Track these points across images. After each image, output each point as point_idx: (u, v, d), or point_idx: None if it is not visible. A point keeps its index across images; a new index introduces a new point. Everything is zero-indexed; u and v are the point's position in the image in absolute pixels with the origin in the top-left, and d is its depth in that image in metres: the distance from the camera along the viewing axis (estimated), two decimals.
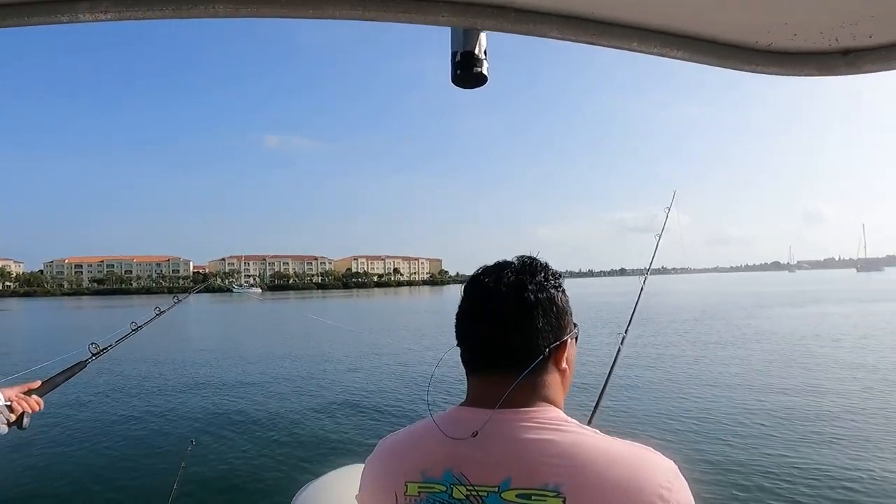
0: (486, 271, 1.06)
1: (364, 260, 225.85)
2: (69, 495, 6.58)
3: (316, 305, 68.39)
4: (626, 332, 2.50)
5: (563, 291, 1.05)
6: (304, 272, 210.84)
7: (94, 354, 2.10)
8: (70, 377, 2.02)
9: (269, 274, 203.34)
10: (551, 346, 1.00)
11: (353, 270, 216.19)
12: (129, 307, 75.14)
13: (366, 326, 28.73)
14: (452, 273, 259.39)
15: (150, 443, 8.58)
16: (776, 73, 1.05)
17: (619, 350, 2.39)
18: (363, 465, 2.98)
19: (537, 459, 0.90)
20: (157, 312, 2.64)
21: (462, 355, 1.06)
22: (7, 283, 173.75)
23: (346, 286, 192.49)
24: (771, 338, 19.50)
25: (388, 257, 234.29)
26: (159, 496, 3.29)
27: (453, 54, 0.89)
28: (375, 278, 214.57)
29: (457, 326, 1.07)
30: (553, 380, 1.02)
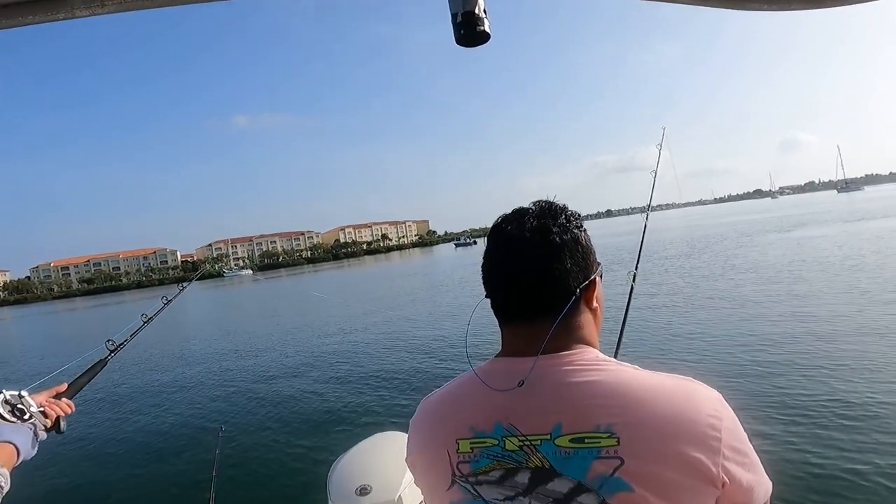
0: (507, 219, 1.05)
1: (351, 229, 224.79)
2: (104, 498, 6.66)
3: (309, 280, 68.40)
4: (636, 269, 2.50)
5: (585, 231, 1.05)
6: (292, 248, 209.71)
7: (112, 351, 2.11)
8: (93, 376, 2.02)
9: (257, 254, 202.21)
10: (581, 287, 1.00)
11: (342, 241, 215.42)
12: (123, 303, 74.91)
13: (369, 300, 28.80)
14: (441, 232, 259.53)
15: (181, 435, 8.64)
16: (766, 9, 1.04)
17: (632, 287, 2.40)
18: (394, 432, 3.06)
19: (585, 402, 0.90)
20: (165, 302, 2.66)
21: (493, 306, 1.05)
22: None
23: (336, 258, 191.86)
24: (762, 266, 19.72)
25: (375, 224, 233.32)
26: (200, 487, 3.37)
27: (454, 15, 0.89)
28: (365, 246, 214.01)
29: (484, 277, 1.06)
30: (587, 320, 1.02)
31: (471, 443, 0.96)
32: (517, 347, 1.00)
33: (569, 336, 0.99)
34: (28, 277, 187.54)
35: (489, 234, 1.06)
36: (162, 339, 22.91)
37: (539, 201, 1.06)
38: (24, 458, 1.49)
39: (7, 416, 1.52)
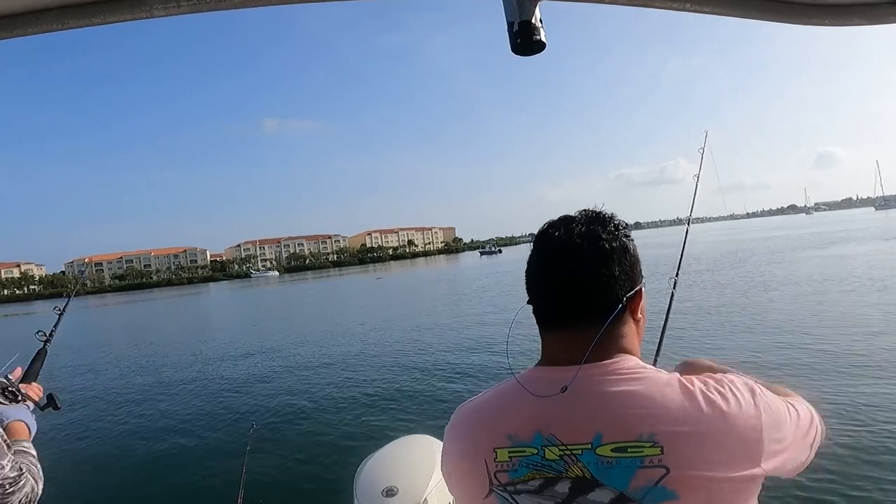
0: (554, 224, 1.04)
1: (378, 234, 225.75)
2: (138, 488, 6.81)
3: (336, 283, 68.89)
4: (676, 277, 2.47)
5: (633, 240, 1.05)
6: (319, 251, 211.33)
7: (45, 342, 2.21)
8: (41, 364, 2.10)
9: (284, 256, 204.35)
10: (628, 295, 0.99)
11: (368, 246, 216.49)
12: (153, 300, 76.34)
13: (398, 302, 28.87)
14: (467, 240, 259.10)
15: (213, 430, 8.81)
16: (827, 25, 1.05)
17: (672, 295, 2.39)
18: (422, 435, 3.08)
19: (627, 411, 0.89)
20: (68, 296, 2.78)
21: (536, 311, 1.04)
22: (32, 287, 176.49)
23: (362, 262, 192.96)
24: (794, 281, 19.37)
25: (402, 229, 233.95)
26: (230, 480, 3.42)
27: (510, 24, 0.91)
28: (391, 251, 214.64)
29: (528, 283, 1.05)
30: (630, 330, 1.01)
31: (509, 452, 0.95)
32: (559, 355, 0.99)
33: (612, 345, 0.98)
34: (63, 272, 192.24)
35: (535, 239, 1.06)
36: (194, 336, 23.32)
37: (586, 209, 1.06)
38: (33, 433, 1.59)
39: (2, 399, 1.63)
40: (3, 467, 1.26)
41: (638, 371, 0.94)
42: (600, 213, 1.05)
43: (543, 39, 0.90)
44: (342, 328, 20.36)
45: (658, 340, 2.15)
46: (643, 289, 1.04)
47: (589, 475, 0.89)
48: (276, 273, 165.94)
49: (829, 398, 6.95)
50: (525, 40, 0.90)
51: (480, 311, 21.10)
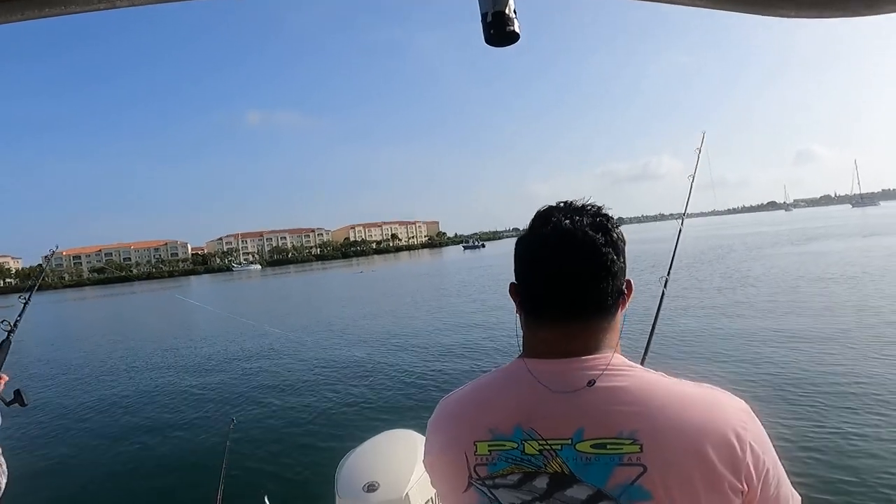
0: (558, 210, 1.00)
1: (361, 228, 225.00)
2: (113, 489, 6.69)
3: (318, 277, 68.61)
4: (668, 275, 2.46)
5: None
6: (302, 245, 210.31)
7: (8, 332, 2.21)
8: (5, 355, 2.10)
9: (267, 250, 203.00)
10: (623, 290, 0.98)
11: (352, 239, 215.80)
12: (132, 294, 75.45)
13: (382, 296, 28.80)
14: (450, 234, 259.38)
15: (192, 426, 8.73)
16: (803, 17, 1.04)
17: (662, 293, 2.37)
18: (403, 430, 3.07)
19: (609, 408, 0.88)
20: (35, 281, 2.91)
21: (531, 301, 0.99)
22: (8, 280, 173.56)
23: (345, 255, 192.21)
24: (772, 279, 19.62)
25: (386, 223, 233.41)
26: (210, 478, 3.39)
27: (483, 15, 0.89)
28: (374, 245, 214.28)
29: (525, 269, 1.00)
30: (615, 325, 0.99)
31: (489, 445, 0.94)
32: (552, 348, 0.96)
33: (599, 339, 0.96)
34: (39, 265, 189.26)
35: (536, 224, 1.00)
36: (174, 329, 23.08)
37: (569, 201, 1.02)
38: None
39: None
40: None
41: (624, 368, 0.93)
42: (597, 205, 1.01)
43: (517, 30, 0.89)
44: (323, 323, 20.29)
45: (647, 339, 2.16)
46: (632, 281, 1.02)
47: (567, 471, 0.88)
48: (259, 267, 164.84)
49: (798, 395, 7.06)
50: (498, 31, 0.88)
51: (461, 306, 21.16)
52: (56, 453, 7.90)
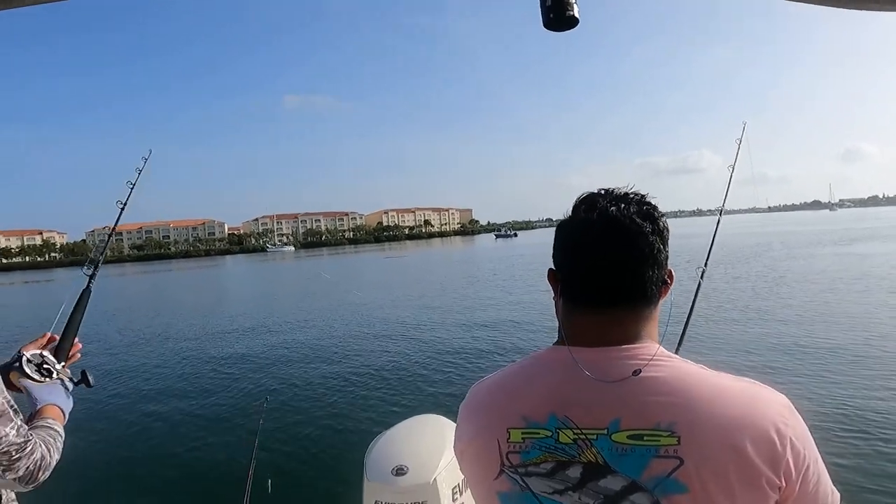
0: (603, 196, 0.98)
1: (394, 213, 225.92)
2: (151, 459, 6.87)
3: (350, 261, 69.21)
4: (705, 266, 2.41)
5: None
6: (335, 228, 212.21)
7: (90, 276, 2.09)
8: (84, 309, 1.97)
9: (301, 232, 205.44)
10: (666, 279, 0.97)
11: (384, 224, 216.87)
12: (170, 271, 77.28)
13: (416, 282, 28.93)
14: (483, 222, 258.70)
15: (227, 404, 8.90)
16: (879, 9, 0.99)
17: (699, 285, 2.34)
18: (433, 415, 3.09)
19: (648, 398, 0.87)
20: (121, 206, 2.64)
21: (573, 287, 0.98)
22: (53, 254, 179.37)
23: (377, 240, 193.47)
24: (815, 278, 19.12)
25: (419, 209, 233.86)
26: (242, 453, 3.47)
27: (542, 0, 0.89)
28: (407, 231, 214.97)
29: (566, 254, 0.99)
30: (655, 314, 0.98)
31: (522, 433, 0.93)
32: (591, 336, 0.95)
33: (638, 328, 0.95)
34: (84, 241, 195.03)
35: (578, 209, 0.99)
36: (207, 308, 23.57)
37: (623, 189, 1.00)
38: (67, 413, 1.54)
39: (36, 376, 1.55)
40: (6, 434, 1.22)
41: (663, 358, 0.91)
42: (643, 194, 0.99)
43: (577, 15, 0.87)
44: (355, 305, 20.47)
45: (682, 329, 2.13)
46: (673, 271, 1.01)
47: (602, 461, 0.87)
48: (292, 248, 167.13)
49: (827, 395, 6.91)
50: (558, 15, 0.87)
51: (491, 294, 21.12)
52: (89, 427, 8.05)
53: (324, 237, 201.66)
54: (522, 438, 0.93)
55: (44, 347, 1.74)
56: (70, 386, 1.63)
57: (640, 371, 0.88)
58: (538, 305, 16.67)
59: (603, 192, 0.99)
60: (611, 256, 0.93)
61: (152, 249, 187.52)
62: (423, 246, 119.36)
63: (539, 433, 0.92)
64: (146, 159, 2.32)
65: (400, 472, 2.47)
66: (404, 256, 67.81)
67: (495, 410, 0.99)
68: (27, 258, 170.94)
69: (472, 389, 1.08)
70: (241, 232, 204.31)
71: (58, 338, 1.78)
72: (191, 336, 16.17)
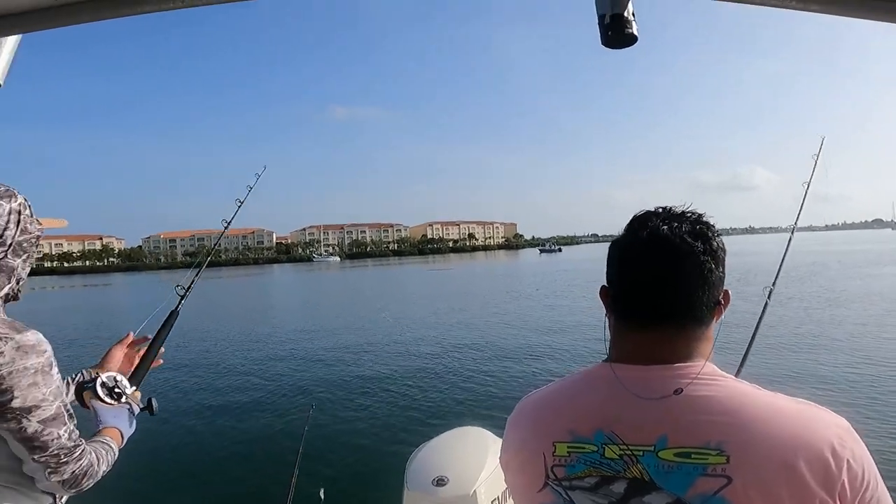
0: (656, 215, 0.98)
1: (439, 226, 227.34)
2: (197, 462, 7.04)
3: (394, 272, 69.78)
4: (773, 286, 2.35)
5: None
6: (380, 239, 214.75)
7: (182, 297, 2.19)
8: (169, 331, 2.07)
9: (346, 242, 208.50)
10: (719, 298, 0.96)
11: (429, 237, 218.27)
12: (220, 278, 79.32)
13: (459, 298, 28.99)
14: (528, 237, 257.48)
15: (274, 409, 9.12)
16: None
17: (766, 304, 2.27)
18: (475, 427, 3.09)
19: (697, 417, 0.86)
20: (224, 226, 2.80)
21: (624, 305, 0.98)
22: (111, 259, 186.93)
23: (421, 252, 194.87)
24: (879, 299, 18.37)
25: (463, 223, 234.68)
26: (288, 457, 3.52)
27: (601, 17, 0.89)
28: (451, 244, 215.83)
29: (619, 272, 0.99)
30: (710, 334, 0.97)
31: (568, 447, 0.94)
32: (642, 353, 0.95)
33: (691, 347, 0.94)
34: (140, 247, 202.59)
35: (631, 227, 0.99)
36: (255, 314, 24.10)
37: (679, 207, 1.00)
38: (126, 436, 1.63)
39: (107, 399, 1.64)
40: (59, 437, 1.28)
41: (716, 378, 0.90)
42: (697, 212, 0.99)
43: (636, 32, 0.88)
44: (400, 317, 20.63)
45: (744, 350, 2.09)
46: (730, 291, 1.00)
47: (647, 477, 0.87)
48: (338, 258, 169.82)
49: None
50: (617, 33, 0.88)
51: (534, 309, 20.98)
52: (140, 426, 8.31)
53: (369, 248, 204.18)
54: (568, 452, 0.94)
55: (130, 347, 1.90)
56: (136, 411, 1.72)
57: (682, 390, 0.88)
58: (580, 322, 16.58)
59: (659, 210, 1.00)
60: (661, 275, 0.94)
61: (204, 257, 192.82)
62: (467, 259, 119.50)
63: (585, 448, 0.93)
64: (259, 175, 2.73)
65: (440, 482, 2.47)
66: (449, 269, 67.95)
67: (542, 424, 1.00)
68: (87, 262, 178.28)
69: (521, 403, 1.10)
70: (289, 241, 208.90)
71: (136, 339, 1.93)
72: (239, 343, 16.56)
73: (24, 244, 1.39)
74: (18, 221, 1.37)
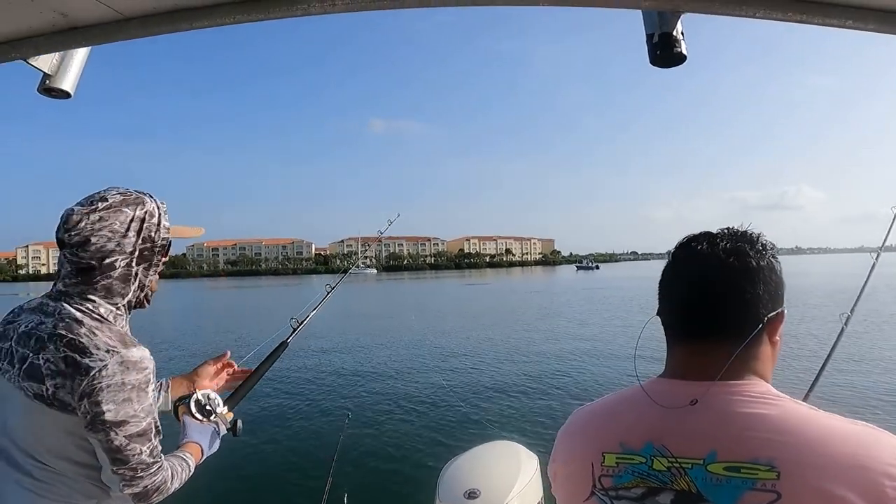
0: (697, 238, 1.02)
1: (476, 240, 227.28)
2: (235, 466, 7.04)
3: (430, 286, 69.92)
4: (851, 313, 2.29)
5: (779, 262, 1.02)
6: (417, 253, 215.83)
7: (294, 329, 2.22)
8: (275, 360, 2.10)
9: (384, 255, 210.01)
10: (770, 316, 0.96)
11: (465, 251, 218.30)
12: (258, 287, 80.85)
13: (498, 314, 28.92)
14: (565, 253, 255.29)
15: (311, 417, 9.24)
16: None
17: (842, 330, 2.23)
18: (508, 441, 3.09)
19: (748, 433, 0.86)
20: (342, 275, 2.79)
21: (670, 323, 1.02)
22: None
23: (458, 266, 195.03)
24: None
25: (500, 238, 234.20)
26: (322, 465, 3.57)
27: (649, 36, 0.90)
28: (487, 259, 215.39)
29: (664, 292, 1.04)
30: (765, 352, 0.98)
31: (617, 457, 0.96)
32: (689, 369, 0.97)
33: (744, 365, 0.95)
34: (184, 254, 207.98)
35: (676, 250, 1.05)
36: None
37: (731, 227, 1.03)
38: (207, 453, 1.66)
39: (197, 415, 1.70)
40: (140, 452, 1.32)
41: (770, 397, 0.90)
42: (747, 231, 1.02)
43: (684, 52, 0.89)
44: (435, 329, 20.67)
45: (815, 375, 2.07)
46: (784, 312, 1.00)
47: (695, 490, 0.87)
48: (374, 271, 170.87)
49: None
50: (665, 52, 0.89)
51: (570, 328, 20.75)
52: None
53: (405, 261, 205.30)
54: (616, 463, 0.96)
55: (221, 369, 1.95)
56: (222, 431, 1.76)
57: (697, 401, 0.91)
58: (618, 341, 16.42)
59: (714, 231, 1.03)
60: (698, 292, 0.97)
61: (245, 265, 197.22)
62: (503, 274, 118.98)
63: (634, 459, 0.94)
64: (391, 221, 2.84)
65: (472, 495, 2.47)
66: (485, 284, 67.77)
67: (593, 435, 1.02)
68: None
69: (573, 414, 1.12)
70: (328, 252, 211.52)
71: (233, 364, 1.98)
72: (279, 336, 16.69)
73: (146, 252, 1.43)
74: (140, 230, 1.41)
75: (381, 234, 2.76)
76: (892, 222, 2.53)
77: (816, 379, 2.03)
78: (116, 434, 1.29)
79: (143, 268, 1.44)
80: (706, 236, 1.02)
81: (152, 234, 1.44)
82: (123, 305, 1.41)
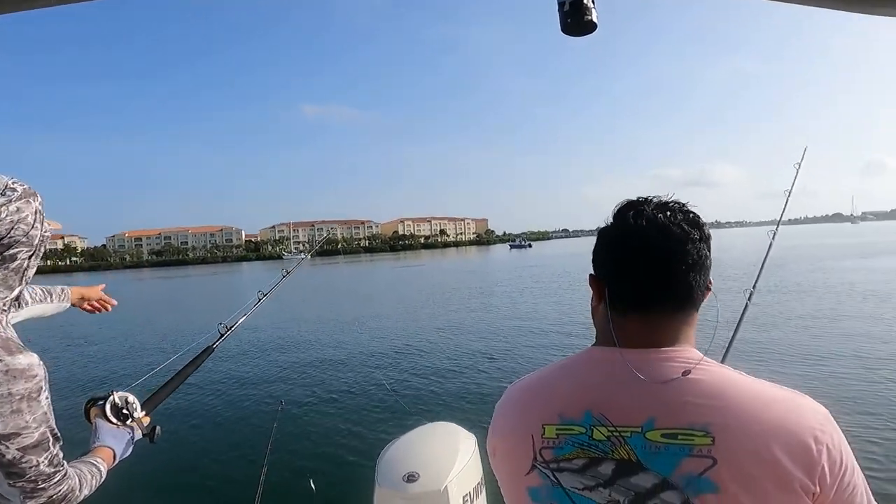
0: (646, 202, 1.00)
1: (410, 222, 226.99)
2: (166, 461, 6.91)
3: (367, 269, 69.44)
4: (754, 288, 2.46)
5: None
6: (351, 237, 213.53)
7: (222, 335, 2.13)
8: (198, 366, 2.02)
9: (317, 239, 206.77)
10: (708, 285, 1.00)
11: (400, 233, 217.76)
12: (187, 276, 78.08)
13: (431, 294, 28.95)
14: (499, 233, 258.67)
15: (242, 407, 9.02)
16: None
17: (745, 306, 2.38)
18: (445, 422, 3.09)
19: (684, 399, 0.88)
20: (283, 275, 2.76)
21: (618, 290, 0.99)
22: (73, 259, 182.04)
23: (393, 249, 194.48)
24: (834, 293, 18.90)
25: (435, 219, 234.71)
26: (255, 456, 3.49)
27: (561, 3, 0.89)
28: (422, 240, 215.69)
29: (612, 259, 1.00)
30: (695, 319, 1.00)
31: (557, 429, 0.95)
32: (631, 338, 0.96)
33: (680, 332, 0.97)
34: (104, 245, 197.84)
35: (620, 214, 1.00)
36: (225, 313, 23.63)
37: (664, 197, 1.02)
38: (119, 459, 1.59)
39: (112, 418, 1.62)
40: (37, 464, 1.24)
41: (703, 363, 0.92)
42: (684, 203, 1.01)
43: (595, 20, 0.88)
44: (369, 314, 20.54)
45: (728, 340, 2.20)
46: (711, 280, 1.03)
47: (634, 458, 0.88)
48: (307, 256, 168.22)
49: (863, 411, 6.80)
50: (576, 20, 0.88)
51: (503, 306, 21.09)
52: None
53: (340, 245, 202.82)
54: (556, 434, 0.95)
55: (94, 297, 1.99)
56: (138, 436, 1.68)
57: (690, 372, 0.90)
58: (548, 315, 16.91)
59: (641, 199, 1.01)
60: (659, 259, 0.95)
61: (171, 255, 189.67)
62: (438, 255, 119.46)
63: (573, 429, 0.94)
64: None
65: (411, 478, 2.46)
66: (420, 266, 67.89)
67: (531, 407, 1.01)
68: (49, 262, 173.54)
69: (509, 388, 1.11)
70: (259, 239, 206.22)
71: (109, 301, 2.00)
72: (205, 338, 16.22)
73: (40, 247, 1.34)
74: (42, 222, 1.31)
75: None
76: (785, 205, 2.87)
77: (730, 344, 2.16)
78: (8, 448, 1.20)
79: (36, 262, 1.34)
80: (655, 203, 1.00)
81: (47, 226, 1.35)
82: (10, 300, 1.30)
